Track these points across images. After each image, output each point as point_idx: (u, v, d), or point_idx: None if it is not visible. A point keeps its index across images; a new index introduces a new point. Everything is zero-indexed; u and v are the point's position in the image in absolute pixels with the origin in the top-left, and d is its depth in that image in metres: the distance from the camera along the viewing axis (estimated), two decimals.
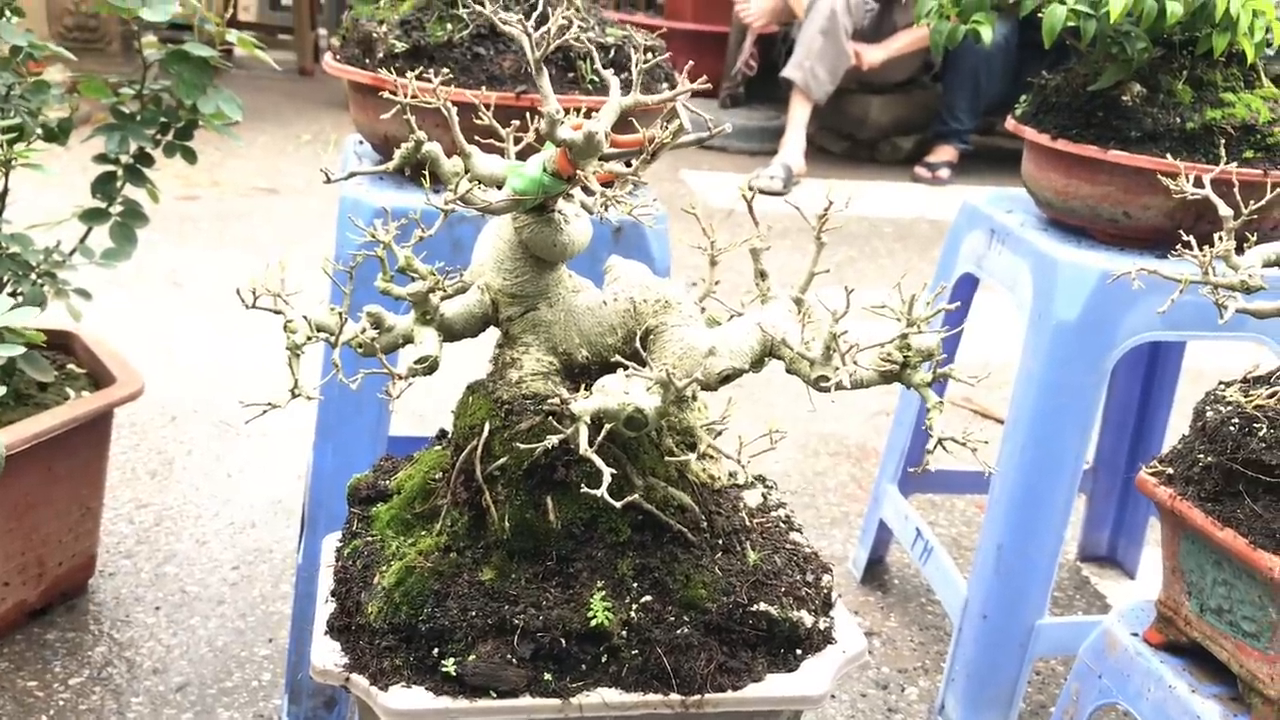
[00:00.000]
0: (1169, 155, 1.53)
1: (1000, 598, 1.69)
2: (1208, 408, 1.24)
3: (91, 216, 1.81)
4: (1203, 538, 1.20)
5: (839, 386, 0.88)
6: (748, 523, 1.06)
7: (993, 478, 1.71)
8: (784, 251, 3.68)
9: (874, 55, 4.80)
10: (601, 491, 0.80)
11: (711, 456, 1.01)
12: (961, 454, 0.96)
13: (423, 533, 1.00)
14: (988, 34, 1.61)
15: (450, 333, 0.98)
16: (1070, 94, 1.64)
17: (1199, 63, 1.59)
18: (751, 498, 1.13)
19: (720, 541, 1.02)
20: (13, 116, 1.67)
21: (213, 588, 1.95)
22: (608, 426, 0.85)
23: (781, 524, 1.12)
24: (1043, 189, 1.68)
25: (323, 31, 6.00)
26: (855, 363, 0.91)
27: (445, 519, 0.99)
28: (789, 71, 4.71)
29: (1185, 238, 1.13)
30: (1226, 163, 1.51)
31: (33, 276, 1.73)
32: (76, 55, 4.83)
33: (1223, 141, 1.54)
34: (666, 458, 0.99)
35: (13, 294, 1.75)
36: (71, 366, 1.92)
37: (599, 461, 0.81)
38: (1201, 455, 1.21)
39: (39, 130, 1.74)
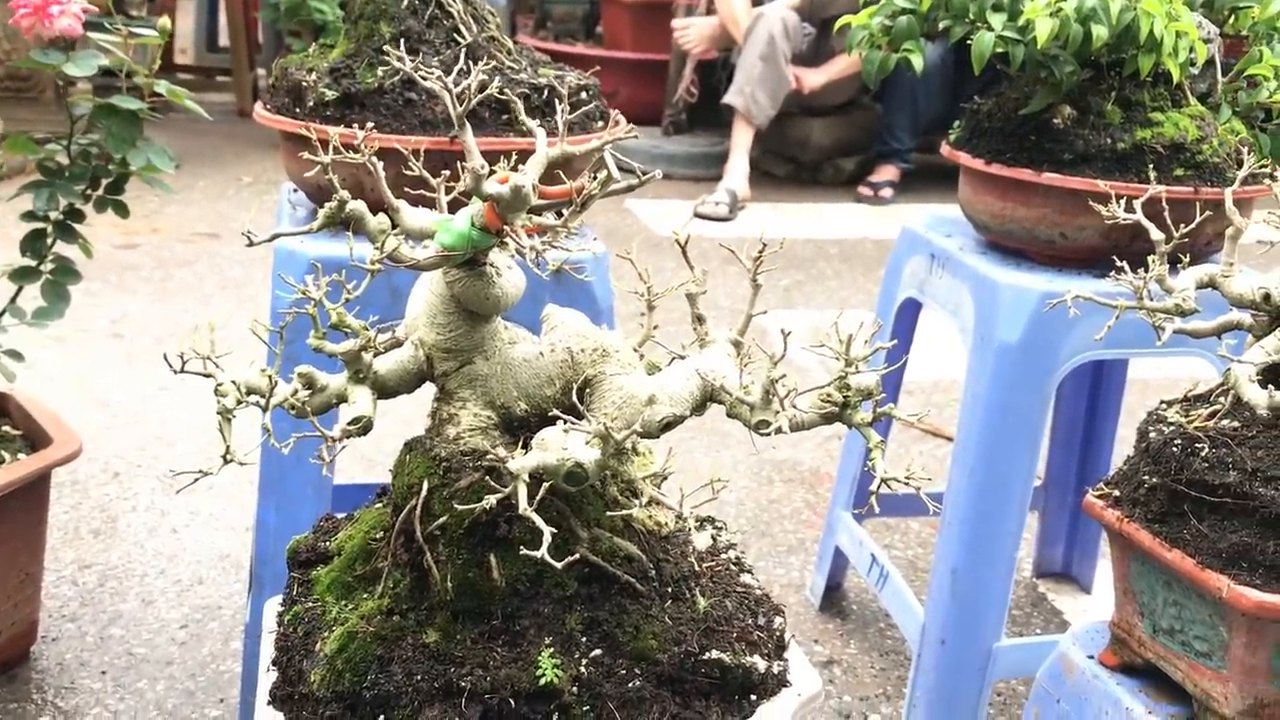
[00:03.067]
0: (1102, 176, 1.55)
1: (957, 622, 1.69)
2: (1150, 429, 1.25)
3: (22, 275, 1.77)
4: (1151, 559, 1.20)
5: (779, 430, 0.87)
6: (697, 568, 1.05)
7: (944, 501, 1.71)
8: (732, 278, 3.69)
9: (814, 79, 4.83)
10: (542, 553, 0.78)
11: (657, 503, 1.00)
12: (914, 478, 0.95)
13: (364, 595, 0.98)
14: (918, 62, 1.62)
15: (384, 390, 0.96)
16: (1002, 118, 1.65)
17: (1127, 83, 1.61)
18: (700, 540, 1.11)
19: (669, 589, 1.00)
20: None
21: (161, 648, 1.91)
22: (548, 483, 0.84)
23: (732, 566, 1.11)
24: (980, 213, 1.69)
25: (261, 72, 5.96)
26: (795, 406, 0.90)
27: (387, 581, 0.97)
28: (730, 98, 4.73)
29: (1119, 263, 1.14)
30: (1158, 181, 1.52)
31: None
32: (9, 105, 4.75)
33: (1152, 163, 1.56)
34: (611, 507, 0.98)
35: None
36: (6, 428, 1.88)
37: (539, 521, 0.80)
38: (1146, 477, 1.22)
39: None
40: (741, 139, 4.78)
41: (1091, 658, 1.30)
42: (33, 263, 1.78)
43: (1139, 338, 1.58)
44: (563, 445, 0.84)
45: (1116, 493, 1.25)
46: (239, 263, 3.72)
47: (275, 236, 0.88)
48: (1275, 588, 1.09)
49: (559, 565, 0.79)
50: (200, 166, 4.78)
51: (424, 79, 0.83)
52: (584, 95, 1.53)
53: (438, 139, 1.43)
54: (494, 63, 1.50)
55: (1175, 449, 1.18)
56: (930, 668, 1.73)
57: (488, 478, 0.89)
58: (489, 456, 0.90)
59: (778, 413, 0.89)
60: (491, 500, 0.84)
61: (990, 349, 1.62)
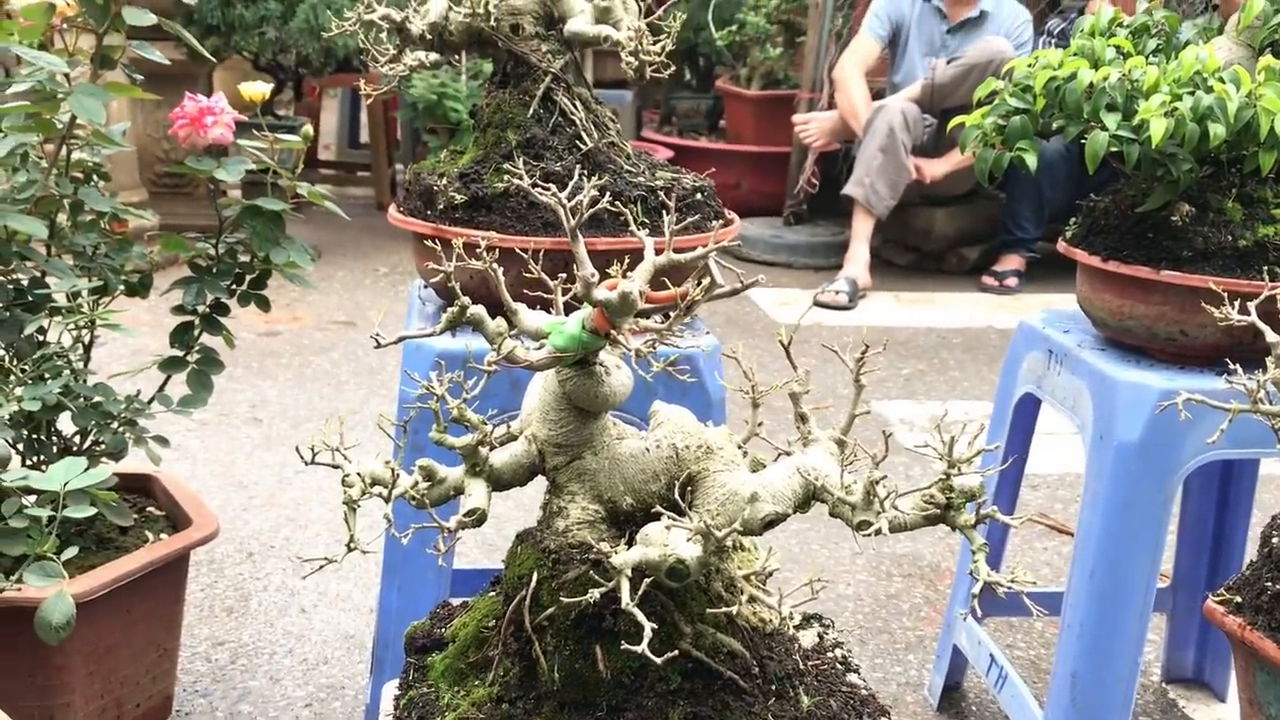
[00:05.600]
0: (1223, 274, 1.53)
1: None
2: (1274, 533, 1.22)
3: (170, 365, 1.88)
4: (1277, 669, 1.17)
5: (879, 532, 0.88)
6: (801, 666, 1.06)
7: (1064, 602, 1.68)
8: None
9: (935, 169, 4.84)
10: (642, 648, 0.81)
11: (761, 600, 1.02)
12: (1035, 574, 0.95)
13: (476, 683, 1.02)
14: (1032, 161, 1.63)
15: (499, 483, 1.00)
16: (1119, 215, 1.65)
17: (1248, 180, 1.60)
18: (806, 638, 1.13)
19: (773, 687, 1.01)
20: (96, 278, 1.77)
21: None
22: (650, 578, 0.87)
23: (838, 665, 1.12)
24: (1098, 309, 1.68)
25: (400, 167, 6.22)
26: (896, 507, 0.91)
27: (498, 669, 1.00)
28: (850, 189, 4.77)
29: (1232, 365, 1.13)
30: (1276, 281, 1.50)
31: (114, 425, 1.80)
32: (166, 200, 5.05)
33: (1276, 261, 1.53)
34: (715, 602, 1.00)
35: (96, 443, 1.83)
36: (151, 509, 1.98)
37: (640, 616, 0.82)
38: (1269, 583, 1.18)
39: (121, 286, 1.83)
40: (862, 228, 4.80)
41: None
42: (180, 353, 1.89)
43: (1265, 437, 1.54)
44: (665, 541, 0.87)
45: (1239, 599, 1.22)
46: (373, 351, 3.87)
47: (402, 339, 0.94)
48: None
49: (659, 660, 0.82)
50: (340, 257, 5.00)
51: (541, 194, 0.88)
52: (699, 196, 1.58)
53: (559, 239, 1.49)
54: (612, 167, 1.56)
55: None
56: None
57: (592, 571, 0.92)
58: (594, 550, 0.93)
59: (879, 514, 0.91)
60: (595, 594, 0.87)
61: (1110, 447, 1.59)
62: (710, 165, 1.68)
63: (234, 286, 1.88)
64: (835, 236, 5.26)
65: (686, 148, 5.73)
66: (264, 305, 1.91)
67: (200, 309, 1.88)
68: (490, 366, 0.90)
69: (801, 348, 4.20)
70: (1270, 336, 1.13)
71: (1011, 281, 4.94)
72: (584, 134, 1.57)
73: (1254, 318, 1.14)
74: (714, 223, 1.61)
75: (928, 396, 3.62)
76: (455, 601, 1.19)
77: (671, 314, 0.95)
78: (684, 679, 0.97)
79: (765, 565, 0.90)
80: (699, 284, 0.88)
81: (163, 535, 1.89)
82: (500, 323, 0.93)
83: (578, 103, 1.59)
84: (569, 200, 0.88)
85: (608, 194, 0.94)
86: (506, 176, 1.54)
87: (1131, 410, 1.57)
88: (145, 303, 1.99)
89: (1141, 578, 1.61)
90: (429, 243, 1.53)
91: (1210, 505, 2.07)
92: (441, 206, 1.57)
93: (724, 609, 0.95)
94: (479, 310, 0.92)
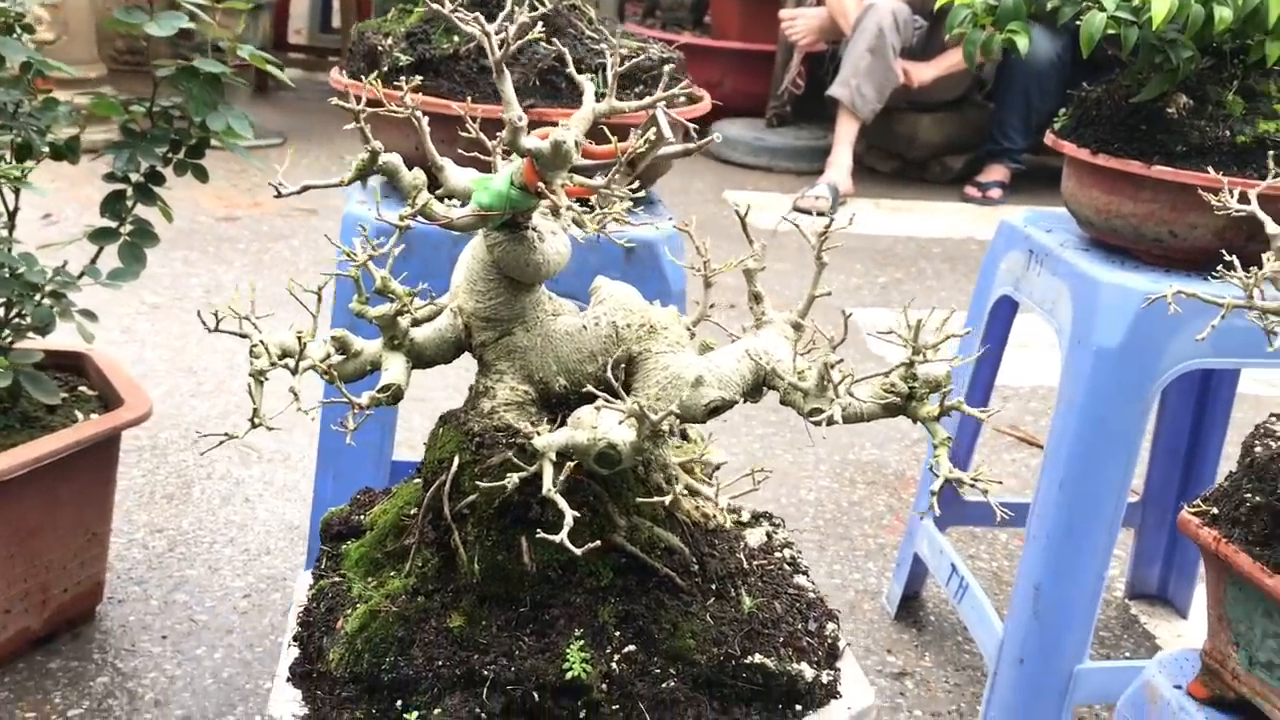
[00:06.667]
0: (1218, 170, 1.44)
1: (1038, 641, 1.59)
2: (1256, 443, 1.14)
3: (100, 236, 1.77)
4: (1251, 585, 1.10)
5: (831, 421, 0.80)
6: (746, 565, 0.98)
7: (1030, 512, 1.62)
8: (827, 273, 3.59)
9: (924, 73, 4.69)
10: (562, 536, 0.72)
11: (699, 493, 0.93)
12: (1003, 486, 0.87)
13: (391, 574, 0.94)
14: (1023, 44, 1.52)
15: (421, 359, 0.91)
16: (1112, 107, 1.54)
17: (1250, 72, 1.50)
18: (753, 537, 1.05)
19: (713, 586, 0.94)
20: (18, 134, 1.64)
21: (222, 616, 1.90)
22: (574, 463, 0.78)
23: (785, 566, 1.04)
24: (1083, 207, 1.59)
25: None
26: (851, 394, 0.83)
27: (415, 559, 0.92)
28: (835, 90, 4.62)
29: (1229, 258, 1.04)
30: (1277, 176, 1.41)
31: (38, 298, 1.70)
32: (126, 79, 4.85)
33: (1274, 158, 1.44)
34: (654, 495, 0.92)
35: (19, 315, 1.72)
36: (83, 388, 1.89)
37: (562, 503, 0.74)
38: (1249, 494, 1.11)
39: (46, 148, 1.71)
40: (845, 132, 4.66)
41: (1179, 688, 1.20)
42: (112, 224, 1.77)
43: (1249, 346, 1.47)
44: (595, 424, 0.78)
45: (1215, 510, 1.15)
46: (335, 237, 3.74)
47: (306, 188, 0.84)
48: None
49: (578, 552, 0.74)
50: (305, 144, 4.84)
51: (463, 22, 0.78)
52: (665, 69, 1.46)
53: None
54: (572, 32, 1.44)
55: None
56: (1007, 687, 1.63)
57: (517, 456, 0.83)
58: (520, 433, 0.85)
59: (833, 401, 0.82)
60: (515, 479, 0.78)
61: (1087, 352, 1.51)
62: (693, 62, 1.57)
63: (170, 155, 1.76)
64: (818, 141, 5.12)
65: (669, 43, 5.55)
66: (201, 175, 1.79)
67: (133, 178, 1.77)
68: (403, 222, 0.80)
69: (778, 253, 4.09)
70: (1271, 227, 1.04)
71: (995, 193, 4.83)
72: None
73: (1255, 207, 1.05)
74: (681, 100, 1.50)
75: (903, 305, 3.54)
76: (378, 490, 1.11)
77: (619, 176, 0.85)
78: (616, 575, 0.90)
79: (705, 455, 0.82)
80: (643, 136, 0.78)
81: (93, 415, 1.80)
82: (418, 175, 0.83)
83: None
84: (496, 33, 0.77)
85: (539, 28, 0.84)
86: (457, 37, 1.42)
87: (1113, 313, 1.49)
88: (96, 183, 1.86)
89: (1112, 490, 1.54)
90: (367, 96, 1.42)
91: (1185, 421, 2.01)
92: (385, 69, 1.45)
93: (657, 499, 0.86)
94: (393, 158, 0.82)
